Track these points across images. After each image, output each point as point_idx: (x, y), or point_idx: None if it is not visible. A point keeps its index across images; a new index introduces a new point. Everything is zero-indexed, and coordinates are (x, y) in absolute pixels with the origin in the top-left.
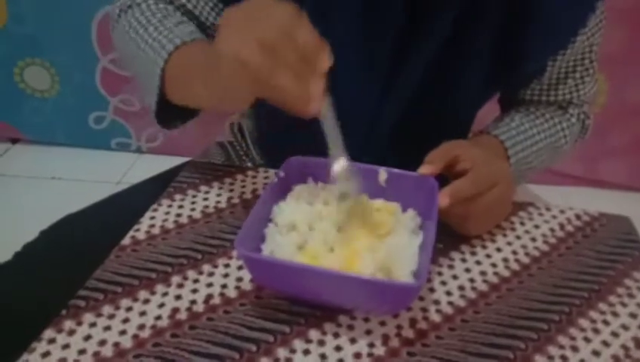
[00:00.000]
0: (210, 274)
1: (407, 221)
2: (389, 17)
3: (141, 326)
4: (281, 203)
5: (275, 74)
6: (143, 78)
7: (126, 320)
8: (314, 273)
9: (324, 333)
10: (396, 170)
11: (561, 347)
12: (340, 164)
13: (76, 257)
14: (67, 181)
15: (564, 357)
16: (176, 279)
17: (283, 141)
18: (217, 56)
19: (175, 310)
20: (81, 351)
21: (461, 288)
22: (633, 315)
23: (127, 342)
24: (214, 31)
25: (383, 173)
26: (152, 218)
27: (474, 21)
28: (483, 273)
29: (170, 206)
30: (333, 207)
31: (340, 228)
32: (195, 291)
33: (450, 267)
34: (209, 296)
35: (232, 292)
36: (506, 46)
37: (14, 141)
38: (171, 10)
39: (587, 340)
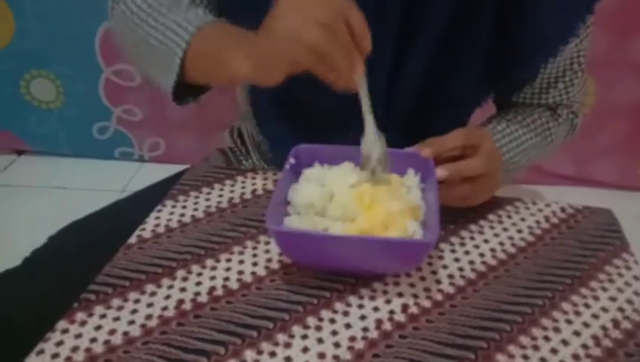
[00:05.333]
0: (213, 268)
1: (410, 180)
2: None
3: (149, 316)
4: (295, 185)
5: (331, 51)
6: (155, 60)
7: (134, 311)
8: (347, 241)
9: (306, 327)
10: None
11: (544, 329)
12: (372, 142)
13: (83, 260)
14: (72, 190)
15: (546, 338)
16: (181, 273)
17: (281, 144)
18: (271, 30)
19: (180, 301)
20: (93, 340)
21: (450, 276)
22: (613, 299)
23: (135, 331)
24: (210, 3)
25: None
26: (157, 218)
27: (472, 14)
28: (471, 262)
29: (174, 206)
30: (343, 186)
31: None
32: (199, 284)
33: (440, 258)
34: (212, 288)
35: (234, 284)
36: (499, 55)
37: (20, 153)
38: None
39: (569, 322)
